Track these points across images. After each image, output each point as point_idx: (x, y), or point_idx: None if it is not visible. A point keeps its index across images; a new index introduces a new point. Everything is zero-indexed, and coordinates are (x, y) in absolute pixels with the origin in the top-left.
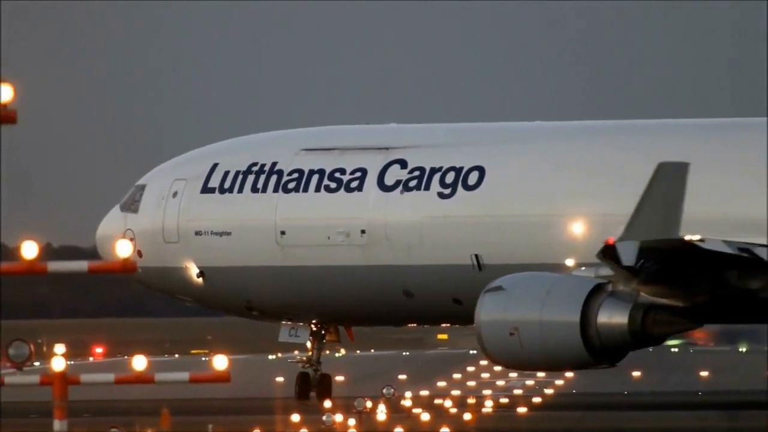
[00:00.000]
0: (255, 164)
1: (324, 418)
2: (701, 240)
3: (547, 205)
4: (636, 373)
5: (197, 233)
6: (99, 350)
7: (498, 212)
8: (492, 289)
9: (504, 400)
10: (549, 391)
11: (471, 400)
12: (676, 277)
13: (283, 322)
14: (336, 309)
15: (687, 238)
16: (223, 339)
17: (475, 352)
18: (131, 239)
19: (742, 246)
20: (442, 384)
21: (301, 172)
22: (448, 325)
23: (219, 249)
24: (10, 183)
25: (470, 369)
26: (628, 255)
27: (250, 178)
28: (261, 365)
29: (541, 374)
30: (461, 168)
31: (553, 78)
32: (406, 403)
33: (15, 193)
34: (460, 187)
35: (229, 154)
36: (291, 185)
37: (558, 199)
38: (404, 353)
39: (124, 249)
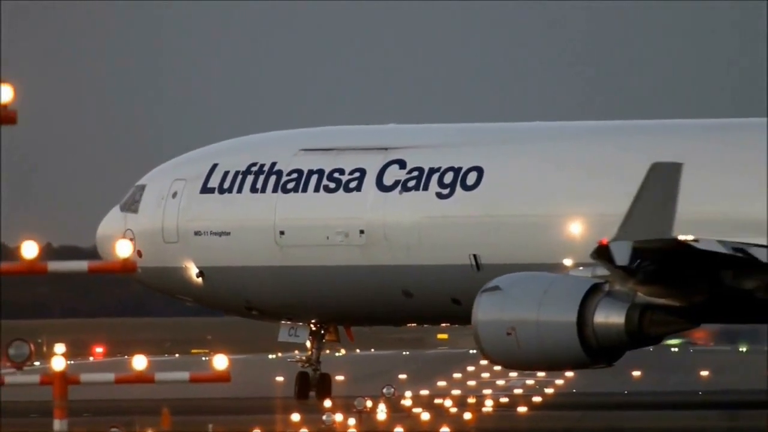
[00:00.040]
0: (254, 164)
1: (324, 417)
2: (695, 240)
3: (545, 206)
4: (636, 373)
5: (197, 233)
6: (99, 350)
7: (496, 212)
8: (489, 289)
9: (504, 400)
10: (549, 391)
11: (471, 400)
12: (672, 276)
13: (283, 322)
14: (335, 309)
15: (681, 238)
16: (223, 339)
17: (475, 351)
18: (131, 239)
19: (736, 246)
20: (442, 383)
21: (300, 172)
22: (448, 324)
23: (218, 249)
24: (10, 183)
25: (470, 368)
26: (621, 255)
27: (250, 178)
28: (261, 365)
29: (541, 374)
30: (460, 168)
31: (553, 78)
32: (407, 402)
33: (15, 193)
34: (458, 188)
35: (228, 154)
36: (290, 185)
37: (557, 200)
38: (404, 353)
39: (124, 249)
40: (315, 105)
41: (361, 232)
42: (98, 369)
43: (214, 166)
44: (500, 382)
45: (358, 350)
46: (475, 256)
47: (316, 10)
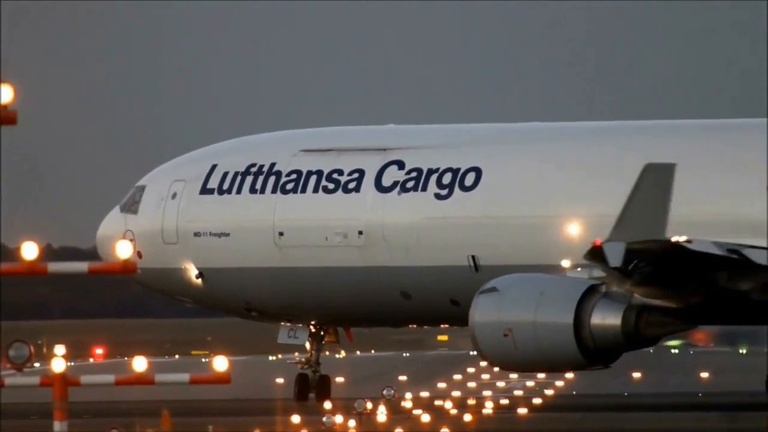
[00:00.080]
0: (253, 165)
1: (324, 419)
2: (688, 241)
3: (543, 206)
4: (636, 375)
5: (196, 234)
6: (99, 351)
7: (495, 213)
8: (486, 290)
9: (504, 402)
10: (549, 393)
11: (471, 402)
12: (668, 278)
13: (282, 324)
14: (334, 310)
15: (674, 239)
16: (224, 340)
17: (475, 353)
18: (131, 240)
19: (731, 247)
20: (442, 385)
21: (299, 173)
22: (447, 326)
23: (218, 250)
24: (10, 183)
25: (470, 370)
26: (614, 256)
27: (249, 179)
28: (261, 366)
29: (541, 376)
30: (458, 169)
31: (553, 78)
32: (407, 404)
33: (15, 193)
34: (457, 188)
35: (228, 155)
36: (289, 186)
37: (555, 201)
38: (404, 354)
39: (124, 250)
40: (315, 105)
41: (360, 233)
42: (98, 370)
43: (214, 166)
44: (500, 384)
45: (358, 352)
46: (473, 257)
47: (316, 10)
